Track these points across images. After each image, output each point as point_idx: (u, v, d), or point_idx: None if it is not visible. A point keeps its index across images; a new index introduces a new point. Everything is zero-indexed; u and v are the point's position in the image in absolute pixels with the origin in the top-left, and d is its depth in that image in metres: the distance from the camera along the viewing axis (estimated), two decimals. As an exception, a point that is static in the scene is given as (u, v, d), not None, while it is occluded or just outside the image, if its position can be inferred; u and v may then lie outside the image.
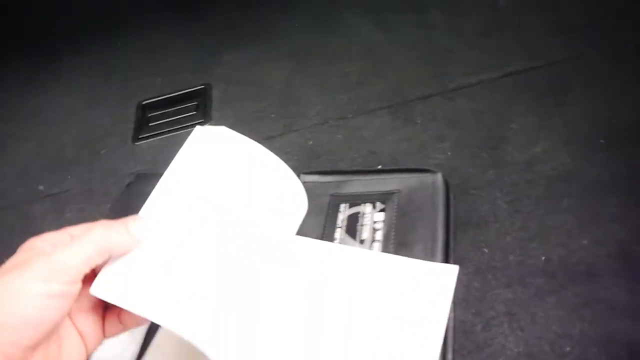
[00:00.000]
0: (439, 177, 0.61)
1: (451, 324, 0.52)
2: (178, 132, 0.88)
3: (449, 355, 0.50)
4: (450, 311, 0.53)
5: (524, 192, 0.63)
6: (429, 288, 0.52)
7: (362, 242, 0.59)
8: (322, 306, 0.52)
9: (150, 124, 0.91)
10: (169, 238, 0.43)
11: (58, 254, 0.37)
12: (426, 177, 0.62)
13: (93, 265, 0.39)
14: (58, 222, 0.79)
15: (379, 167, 0.70)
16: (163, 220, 0.44)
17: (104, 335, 0.42)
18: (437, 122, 0.74)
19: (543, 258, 0.57)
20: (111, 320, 0.42)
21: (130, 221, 0.41)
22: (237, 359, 0.44)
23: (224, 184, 0.47)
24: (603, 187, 0.61)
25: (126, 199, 0.73)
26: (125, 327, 0.42)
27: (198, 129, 0.49)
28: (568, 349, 0.51)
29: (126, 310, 0.40)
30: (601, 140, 0.65)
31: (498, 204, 0.62)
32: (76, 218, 0.79)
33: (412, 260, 0.55)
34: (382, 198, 0.62)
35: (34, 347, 0.36)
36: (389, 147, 0.73)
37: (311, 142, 0.77)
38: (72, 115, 0.98)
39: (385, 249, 0.58)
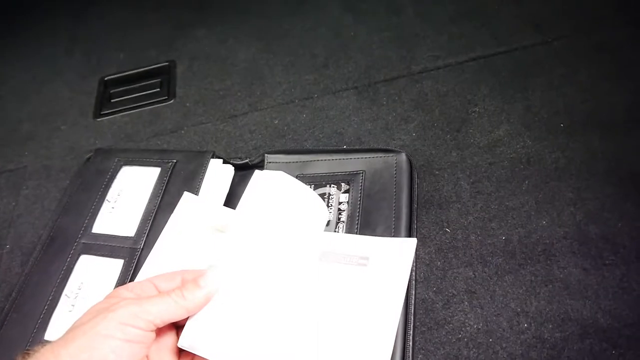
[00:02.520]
0: (403, 157, 0.62)
1: (412, 301, 0.53)
2: (140, 109, 0.86)
3: (410, 332, 0.51)
4: (411, 288, 0.54)
5: (485, 174, 0.64)
6: (389, 261, 0.53)
7: (327, 223, 0.59)
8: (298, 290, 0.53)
9: (112, 100, 0.89)
10: (240, 285, 0.48)
11: (142, 304, 0.42)
12: (390, 157, 0.62)
13: (169, 322, 0.44)
14: (14, 198, 0.77)
15: (344, 147, 0.70)
16: (233, 269, 0.48)
17: None
18: (402, 103, 0.74)
19: (503, 238, 0.58)
20: None
21: (201, 277, 0.46)
22: None
23: (279, 224, 0.52)
24: (561, 171, 0.63)
25: (85, 174, 0.71)
26: None
27: (257, 173, 0.55)
28: (525, 325, 0.52)
29: (200, 359, 0.44)
30: (561, 125, 0.67)
31: (460, 185, 0.63)
32: (33, 195, 0.76)
33: (373, 237, 0.56)
34: (346, 179, 0.62)
35: None
36: (354, 127, 0.73)
37: (276, 121, 0.77)
38: (30, 89, 0.95)
39: (349, 230, 0.58)
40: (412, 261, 0.54)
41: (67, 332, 0.41)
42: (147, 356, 0.43)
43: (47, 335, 0.55)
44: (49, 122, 0.88)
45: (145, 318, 0.41)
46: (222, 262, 0.48)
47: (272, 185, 0.54)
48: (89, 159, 0.74)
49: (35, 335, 0.55)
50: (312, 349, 0.49)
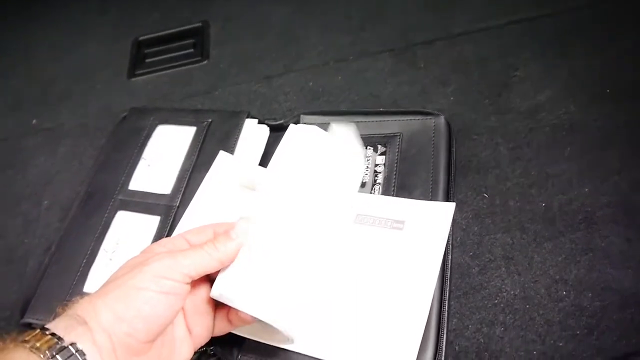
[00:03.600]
0: (441, 120, 0.60)
1: (448, 265, 0.53)
2: (174, 70, 0.86)
3: (445, 296, 0.51)
4: (448, 252, 0.53)
5: (525, 139, 0.62)
6: (426, 225, 0.53)
7: (363, 184, 0.59)
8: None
9: (146, 60, 0.89)
10: (270, 237, 0.47)
11: (176, 257, 0.42)
12: (428, 120, 0.61)
13: (204, 273, 0.44)
14: (52, 156, 0.78)
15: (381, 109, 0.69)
16: (266, 219, 0.48)
17: (213, 333, 0.47)
18: (440, 67, 0.72)
19: (543, 205, 0.57)
20: (220, 320, 0.47)
21: (232, 230, 0.46)
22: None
23: (312, 180, 0.52)
24: (606, 138, 0.61)
25: (121, 133, 0.71)
26: (233, 326, 0.47)
27: (292, 127, 0.54)
28: (563, 293, 0.51)
29: (234, 310, 0.45)
30: (607, 90, 0.64)
31: (499, 151, 0.62)
32: (70, 152, 0.77)
33: (410, 200, 0.55)
34: (383, 141, 0.61)
35: (148, 340, 0.40)
36: (390, 90, 0.72)
37: (311, 84, 0.76)
38: (64, 49, 0.95)
39: (386, 192, 0.58)
40: (449, 226, 0.53)
41: (104, 285, 0.41)
42: (182, 308, 0.44)
43: (86, 288, 0.56)
44: (84, 81, 0.88)
45: (180, 270, 0.41)
46: (254, 214, 0.48)
47: (307, 140, 0.53)
48: (124, 117, 0.74)
49: (74, 287, 0.56)
50: (347, 309, 0.49)
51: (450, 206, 0.54)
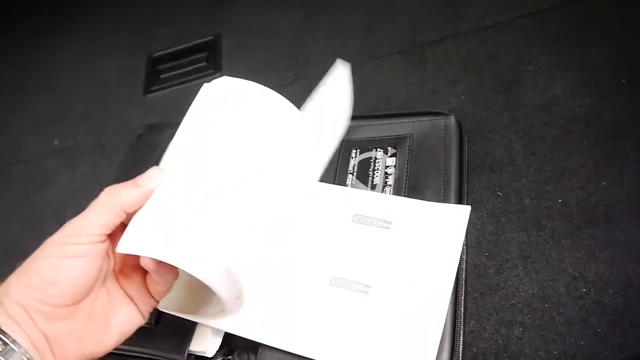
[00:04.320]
0: (451, 119, 0.59)
1: (463, 267, 0.52)
2: (189, 84, 0.87)
3: (461, 297, 0.50)
4: (462, 253, 0.52)
5: (539, 134, 0.61)
6: (441, 229, 0.52)
7: (373, 187, 0.58)
8: (336, 246, 0.52)
9: (160, 76, 0.90)
10: (181, 186, 0.43)
11: (80, 219, 0.40)
12: (438, 120, 0.60)
13: (111, 225, 0.40)
14: (71, 175, 0.80)
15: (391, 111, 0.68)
16: (176, 169, 0.44)
17: (153, 296, 0.44)
18: (450, 65, 0.72)
19: (560, 201, 0.56)
20: (150, 279, 0.43)
21: (139, 177, 0.42)
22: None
23: (235, 129, 0.46)
24: (622, 129, 0.59)
25: (138, 150, 0.72)
26: (162, 282, 0.43)
27: (205, 85, 0.48)
28: (584, 290, 0.50)
29: (153, 265, 0.41)
30: (623, 80, 0.63)
31: (513, 147, 0.61)
32: (90, 171, 0.79)
33: (423, 202, 0.54)
34: (393, 143, 0.60)
35: (65, 304, 0.39)
36: (401, 92, 0.71)
37: (322, 90, 0.76)
38: (81, 68, 0.98)
39: (397, 194, 0.57)
40: (465, 229, 0.52)
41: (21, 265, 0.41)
42: (115, 271, 0.43)
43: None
44: (101, 100, 0.90)
45: (82, 232, 0.40)
46: (166, 160, 0.45)
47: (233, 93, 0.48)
48: (140, 134, 0.75)
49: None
50: (358, 312, 0.49)
51: (466, 209, 0.53)
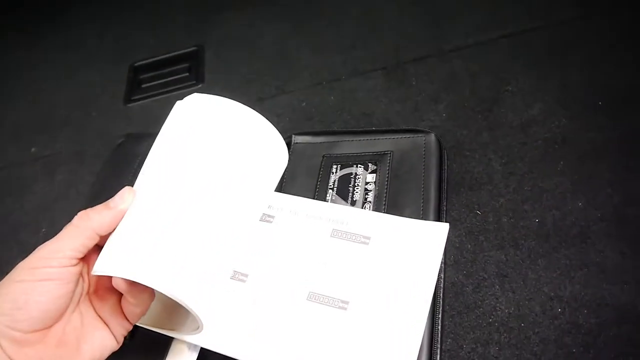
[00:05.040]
0: (432, 137, 0.60)
1: (441, 285, 0.52)
2: (170, 94, 0.87)
3: (438, 316, 0.50)
4: (440, 271, 0.52)
5: (518, 154, 0.62)
6: (419, 246, 0.52)
7: (353, 203, 0.58)
8: (314, 261, 0.53)
9: (142, 86, 0.90)
10: (152, 205, 0.43)
11: (53, 242, 0.41)
12: (419, 138, 0.61)
13: (83, 249, 0.41)
14: (49, 184, 0.79)
15: (372, 128, 0.69)
16: (148, 188, 0.45)
17: (127, 319, 0.44)
18: (432, 83, 0.72)
19: (536, 220, 0.56)
20: (125, 301, 0.44)
21: (111, 198, 0.44)
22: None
23: (206, 146, 0.46)
24: (599, 150, 0.60)
25: (117, 159, 0.72)
26: (136, 303, 0.43)
27: (178, 103, 0.49)
28: (559, 310, 0.50)
29: (125, 285, 0.41)
30: (599, 103, 0.64)
31: (492, 166, 0.62)
32: (67, 180, 0.78)
33: (402, 218, 0.55)
34: (374, 159, 0.61)
35: (33, 329, 0.39)
36: (382, 109, 0.72)
37: (304, 104, 0.76)
38: (63, 75, 0.97)
39: (376, 210, 0.57)
40: (443, 247, 0.52)
41: None
42: (89, 294, 0.43)
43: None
44: (81, 108, 0.89)
45: (57, 256, 0.40)
46: (138, 182, 0.45)
47: (205, 110, 0.48)
48: (120, 144, 0.75)
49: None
50: (332, 326, 0.49)
51: (444, 227, 0.53)
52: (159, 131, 0.79)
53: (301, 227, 0.56)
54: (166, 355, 0.50)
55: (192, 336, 0.49)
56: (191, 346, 0.51)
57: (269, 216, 0.57)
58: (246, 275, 0.52)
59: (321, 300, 0.51)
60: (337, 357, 0.48)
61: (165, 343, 0.51)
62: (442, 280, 0.52)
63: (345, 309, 0.50)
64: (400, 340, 0.47)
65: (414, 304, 0.49)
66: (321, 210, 0.57)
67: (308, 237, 0.55)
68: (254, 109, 0.77)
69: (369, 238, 0.54)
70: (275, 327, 0.49)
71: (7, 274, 0.40)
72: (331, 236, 0.55)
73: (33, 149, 0.85)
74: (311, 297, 0.51)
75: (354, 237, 0.55)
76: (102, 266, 0.41)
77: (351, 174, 0.60)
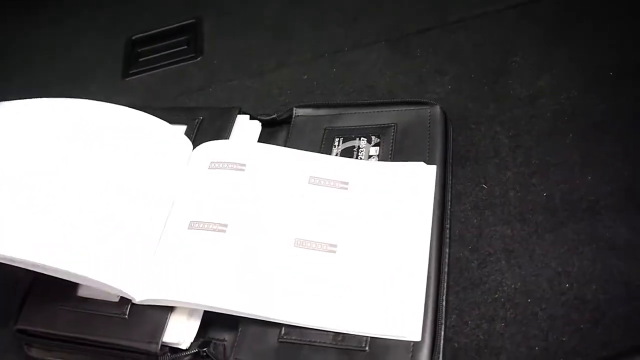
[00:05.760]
0: (437, 109, 0.59)
1: (446, 260, 0.51)
2: (169, 67, 0.85)
3: (442, 291, 0.49)
4: (445, 246, 0.51)
5: (525, 127, 0.60)
6: (405, 188, 0.53)
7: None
8: (296, 207, 0.53)
9: (140, 59, 0.88)
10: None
11: None
12: (424, 110, 0.59)
13: None
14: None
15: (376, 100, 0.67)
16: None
17: None
18: (436, 55, 0.70)
19: (544, 194, 0.55)
20: None
21: None
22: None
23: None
24: (609, 123, 0.59)
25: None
26: None
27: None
28: (566, 285, 0.49)
29: None
30: (610, 73, 0.62)
31: (499, 139, 0.60)
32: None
33: (381, 163, 0.56)
34: (377, 132, 0.59)
35: None
36: (385, 81, 0.70)
37: (305, 77, 0.74)
38: (57, 51, 0.94)
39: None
40: (433, 186, 0.53)
41: None
42: None
43: (80, 292, 0.55)
44: (79, 83, 0.87)
45: None
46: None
47: None
48: (117, 119, 0.73)
49: (67, 290, 0.55)
50: (328, 275, 0.49)
51: (431, 169, 0.54)
52: (158, 105, 0.78)
53: (277, 174, 0.56)
54: (164, 330, 0.49)
55: (187, 294, 0.48)
56: (190, 322, 0.50)
57: (240, 164, 0.56)
58: (225, 225, 0.52)
59: (308, 245, 0.50)
60: (329, 299, 0.47)
61: (163, 319, 0.50)
62: (446, 256, 0.51)
63: (334, 252, 0.50)
64: (403, 283, 0.47)
65: (410, 248, 0.49)
66: (295, 157, 0.57)
67: (285, 184, 0.55)
68: (254, 82, 0.76)
69: (347, 183, 0.55)
70: (265, 275, 0.49)
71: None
72: (309, 183, 0.55)
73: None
74: (298, 243, 0.51)
75: (332, 183, 0.54)
76: None
77: (354, 147, 0.59)
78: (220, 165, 0.56)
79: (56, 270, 0.47)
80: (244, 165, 0.56)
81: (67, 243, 0.48)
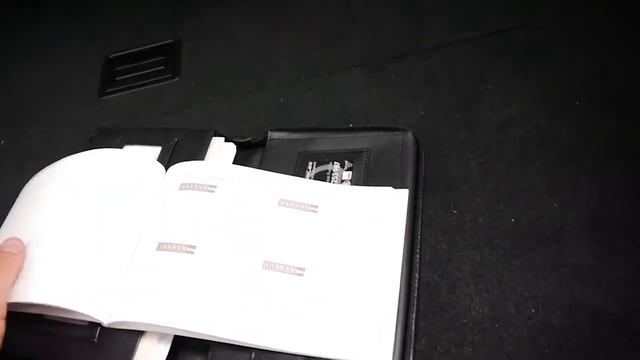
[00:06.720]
0: (409, 135, 0.60)
1: (415, 285, 0.51)
2: (146, 87, 0.85)
3: (412, 315, 0.49)
4: (415, 271, 0.52)
5: (496, 154, 0.62)
6: (378, 212, 0.54)
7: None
8: (265, 229, 0.54)
9: (117, 78, 0.87)
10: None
11: None
12: (396, 136, 0.60)
13: (5, 301, 0.47)
14: (19, 178, 0.76)
15: (350, 125, 0.68)
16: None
17: None
18: (411, 81, 0.72)
19: (512, 220, 0.56)
20: None
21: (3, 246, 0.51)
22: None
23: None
24: (576, 151, 0.60)
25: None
26: None
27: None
28: (532, 310, 0.50)
29: None
30: (576, 103, 0.64)
31: (469, 165, 0.61)
32: (37, 174, 0.76)
33: (351, 187, 0.57)
34: (350, 156, 0.60)
35: None
36: (361, 106, 0.71)
37: (282, 100, 0.75)
38: (34, 68, 0.94)
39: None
40: (405, 211, 0.53)
41: None
42: None
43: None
44: (54, 101, 0.87)
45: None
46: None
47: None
48: (92, 138, 0.73)
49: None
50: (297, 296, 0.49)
51: (404, 193, 0.55)
52: (133, 125, 0.78)
53: (247, 196, 0.56)
54: (134, 354, 0.49)
55: (159, 318, 0.48)
56: (162, 339, 0.50)
57: (211, 186, 0.56)
58: (194, 247, 0.52)
59: (277, 268, 0.51)
60: (298, 323, 0.47)
61: (133, 342, 0.49)
62: (416, 280, 0.52)
63: (302, 275, 0.50)
64: (373, 305, 0.48)
65: (382, 273, 0.50)
66: (266, 179, 0.58)
67: (255, 206, 0.55)
68: (231, 104, 0.77)
69: (316, 206, 0.55)
70: (233, 297, 0.49)
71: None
72: (279, 205, 0.55)
73: (2, 142, 0.83)
74: (266, 265, 0.51)
75: (301, 206, 0.55)
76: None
77: (327, 171, 0.59)
78: (191, 187, 0.57)
79: (16, 304, 0.49)
80: (215, 186, 0.56)
81: (25, 276, 0.50)
